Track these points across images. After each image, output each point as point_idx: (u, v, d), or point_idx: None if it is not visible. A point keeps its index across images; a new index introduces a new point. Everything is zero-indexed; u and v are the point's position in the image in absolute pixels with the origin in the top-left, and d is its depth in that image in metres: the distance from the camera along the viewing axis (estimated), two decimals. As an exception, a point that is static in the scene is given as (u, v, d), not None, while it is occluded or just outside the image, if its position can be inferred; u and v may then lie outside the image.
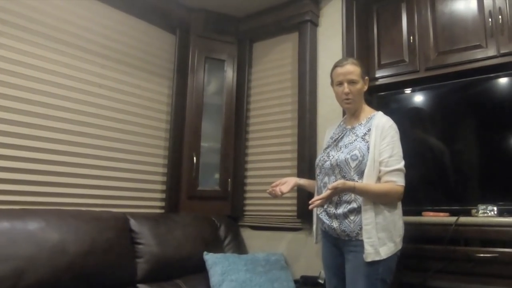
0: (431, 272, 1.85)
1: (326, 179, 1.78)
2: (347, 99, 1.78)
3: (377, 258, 1.58)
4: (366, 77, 1.84)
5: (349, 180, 1.66)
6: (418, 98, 2.32)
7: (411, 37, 2.34)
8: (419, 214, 2.05)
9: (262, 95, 2.85)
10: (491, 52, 2.07)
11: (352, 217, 1.66)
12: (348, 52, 2.47)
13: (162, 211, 2.59)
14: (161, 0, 2.63)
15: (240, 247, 2.62)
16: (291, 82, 2.71)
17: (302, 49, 2.61)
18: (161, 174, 2.63)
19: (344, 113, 2.09)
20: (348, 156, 1.70)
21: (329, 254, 1.82)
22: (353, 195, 1.67)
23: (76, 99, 2.18)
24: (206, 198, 2.70)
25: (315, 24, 2.66)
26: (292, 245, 2.53)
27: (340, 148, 1.78)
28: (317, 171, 1.86)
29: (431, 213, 2.03)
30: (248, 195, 2.81)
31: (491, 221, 1.80)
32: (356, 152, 1.69)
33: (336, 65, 1.83)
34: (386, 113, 2.37)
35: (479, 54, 2.10)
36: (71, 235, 1.75)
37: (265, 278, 2.26)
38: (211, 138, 2.79)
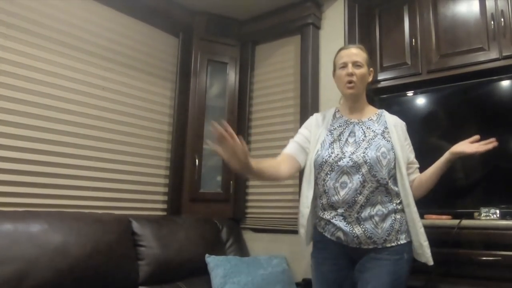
0: (433, 275, 1.84)
1: (345, 178, 1.54)
2: (350, 82, 1.62)
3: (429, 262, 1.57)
4: (371, 68, 1.71)
5: (381, 180, 1.53)
6: (420, 101, 2.31)
7: (413, 39, 2.34)
8: (421, 217, 2.04)
9: (265, 97, 2.86)
10: (493, 54, 2.06)
11: (379, 223, 1.51)
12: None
13: (164, 213, 2.60)
14: (164, 3, 2.65)
15: (242, 250, 2.62)
16: (293, 84, 2.71)
17: (304, 52, 2.61)
18: (164, 177, 2.64)
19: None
20: (378, 153, 1.54)
21: (332, 268, 1.59)
22: (379, 197, 1.53)
23: (79, 101, 2.20)
24: (208, 200, 2.71)
25: (317, 27, 2.67)
26: (294, 248, 2.53)
27: (358, 144, 1.59)
28: (326, 168, 1.58)
29: (434, 216, 2.02)
30: (250, 197, 2.81)
31: (494, 224, 1.79)
32: (384, 150, 1.55)
33: (340, 49, 1.72)
34: (388, 115, 2.38)
35: (481, 56, 2.10)
36: (74, 237, 1.76)
37: (267, 280, 2.25)
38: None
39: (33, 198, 1.97)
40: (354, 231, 1.51)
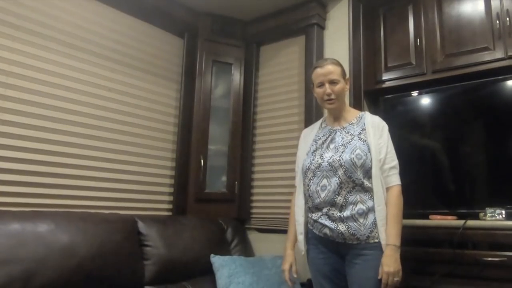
0: (438, 276, 1.84)
1: (324, 181, 1.68)
2: (330, 99, 1.73)
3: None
4: (347, 77, 1.81)
5: (356, 180, 1.62)
6: (425, 101, 2.31)
7: (418, 39, 2.33)
8: (426, 217, 2.04)
9: (269, 98, 2.86)
10: (499, 54, 2.06)
11: (361, 220, 1.61)
12: (354, 55, 2.47)
13: (170, 213, 2.61)
14: (169, 5, 2.66)
15: (247, 250, 2.63)
16: (297, 85, 2.71)
17: (309, 52, 2.61)
18: (169, 177, 2.66)
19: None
20: (352, 155, 1.64)
21: (326, 262, 1.72)
22: (358, 196, 1.63)
23: (85, 102, 2.22)
24: (213, 200, 2.72)
25: (322, 27, 2.67)
26: (299, 248, 2.53)
27: (337, 148, 1.70)
28: (309, 174, 1.74)
29: (439, 217, 2.02)
30: (255, 198, 2.82)
31: (499, 224, 1.79)
32: (359, 151, 1.65)
33: (315, 66, 1.79)
34: (393, 116, 2.38)
35: (486, 56, 2.09)
36: (80, 237, 1.77)
37: (271, 281, 2.26)
38: (218, 141, 2.81)
39: (40, 198, 1.99)
40: (338, 228, 1.63)
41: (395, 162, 1.70)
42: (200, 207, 2.66)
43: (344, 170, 1.64)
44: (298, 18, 2.69)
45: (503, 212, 1.84)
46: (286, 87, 2.78)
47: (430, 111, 2.29)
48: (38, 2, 2.05)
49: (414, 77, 2.33)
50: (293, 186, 2.60)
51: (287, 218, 2.60)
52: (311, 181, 1.73)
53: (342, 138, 1.73)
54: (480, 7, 2.15)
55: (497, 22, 2.07)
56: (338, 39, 2.59)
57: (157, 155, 2.59)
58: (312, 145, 1.81)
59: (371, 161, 1.64)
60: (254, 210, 2.81)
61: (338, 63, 1.78)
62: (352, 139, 1.71)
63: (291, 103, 2.73)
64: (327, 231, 1.66)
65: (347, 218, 1.62)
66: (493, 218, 1.85)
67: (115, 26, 2.42)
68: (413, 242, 1.80)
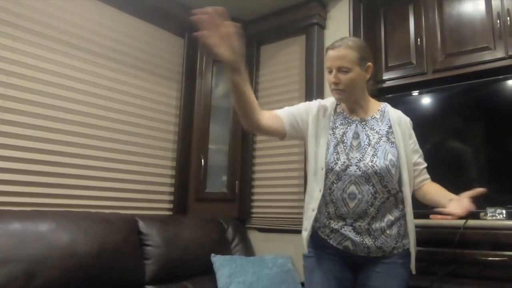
0: (438, 276, 1.83)
1: (353, 188, 1.42)
2: (336, 89, 1.47)
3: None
4: (369, 63, 1.50)
5: (392, 190, 1.44)
6: (426, 100, 2.31)
7: (419, 39, 2.33)
8: (426, 217, 2.04)
9: (270, 97, 2.86)
10: (500, 54, 2.06)
11: (388, 231, 1.44)
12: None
13: (170, 213, 2.62)
14: (170, 5, 2.66)
15: (247, 249, 2.63)
16: (298, 84, 2.71)
17: (309, 52, 2.61)
18: (169, 176, 2.66)
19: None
20: (387, 162, 1.41)
21: (333, 268, 1.50)
22: (389, 206, 1.45)
23: (85, 102, 2.22)
24: (214, 200, 2.72)
25: (322, 27, 2.67)
26: (299, 248, 2.52)
27: (364, 149, 1.45)
28: (331, 177, 1.46)
29: (439, 216, 2.01)
30: (255, 197, 2.82)
31: (500, 224, 1.78)
32: (391, 156, 1.43)
33: (327, 48, 1.51)
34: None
35: (487, 56, 2.09)
36: (81, 237, 1.78)
37: (272, 280, 2.26)
38: (218, 141, 2.81)
39: (41, 197, 2.00)
40: (364, 242, 1.42)
41: (424, 162, 1.61)
42: (201, 206, 2.66)
43: (379, 178, 1.41)
44: (298, 18, 2.69)
45: (504, 211, 1.84)
46: (287, 87, 2.78)
47: (430, 110, 2.29)
48: (39, 1, 2.05)
49: (414, 77, 2.33)
50: (295, 185, 2.61)
51: (288, 218, 2.62)
52: (334, 185, 1.45)
53: (368, 136, 1.48)
54: (481, 6, 2.14)
55: (498, 21, 2.07)
56: (338, 38, 2.58)
57: (157, 154, 2.59)
58: (331, 135, 1.50)
59: (400, 167, 1.45)
60: (254, 210, 2.81)
61: (356, 47, 1.47)
62: (380, 139, 1.47)
63: (292, 102, 2.67)
64: (349, 244, 1.44)
65: (375, 230, 1.42)
66: (494, 217, 1.85)
67: (116, 26, 2.42)
68: (413, 242, 1.80)
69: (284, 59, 2.83)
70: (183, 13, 2.75)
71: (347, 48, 1.45)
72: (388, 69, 2.44)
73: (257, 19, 2.88)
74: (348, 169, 1.43)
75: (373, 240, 1.42)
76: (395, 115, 1.57)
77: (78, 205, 2.13)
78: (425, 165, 1.61)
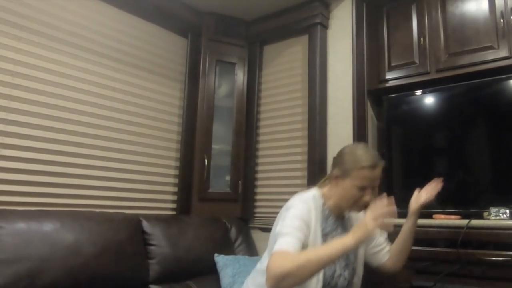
0: (441, 276, 1.83)
1: None
2: (363, 206, 1.45)
3: None
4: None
5: None
6: (429, 100, 2.30)
7: (422, 38, 2.33)
8: (430, 217, 2.04)
9: (273, 97, 2.87)
10: (503, 53, 2.05)
11: None
12: (358, 54, 2.47)
13: (174, 213, 2.63)
14: (173, 5, 2.67)
15: (250, 249, 2.63)
16: (301, 84, 2.72)
17: (312, 52, 2.61)
18: (173, 176, 2.67)
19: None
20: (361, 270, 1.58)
21: None
22: None
23: (89, 102, 2.23)
24: (217, 200, 2.73)
25: (325, 27, 2.67)
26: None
27: (349, 258, 1.52)
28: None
29: (442, 216, 2.01)
30: (258, 197, 2.82)
31: (504, 224, 1.78)
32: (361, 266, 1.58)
33: (364, 165, 1.41)
34: (396, 115, 2.38)
35: (490, 55, 2.08)
36: (85, 236, 1.79)
37: (275, 279, 2.26)
38: (222, 141, 2.82)
39: (46, 197, 2.01)
40: None
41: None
42: (204, 206, 2.67)
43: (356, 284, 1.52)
44: (301, 18, 2.69)
45: (507, 211, 1.83)
46: (290, 87, 2.78)
47: (434, 110, 2.29)
48: (43, 2, 2.07)
49: (417, 76, 2.32)
50: (297, 185, 2.61)
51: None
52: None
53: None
54: (484, 5, 2.14)
55: (501, 20, 2.07)
56: (341, 38, 2.59)
57: (161, 154, 2.60)
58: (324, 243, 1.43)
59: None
60: (257, 210, 2.81)
61: None
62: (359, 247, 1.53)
63: (295, 102, 2.73)
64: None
65: None
66: (497, 217, 1.84)
67: (120, 27, 2.43)
68: (416, 242, 1.79)
69: (287, 59, 2.84)
70: (186, 13, 2.76)
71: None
72: (391, 68, 2.44)
73: (260, 19, 2.89)
74: (339, 279, 1.44)
75: None
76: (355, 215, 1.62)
77: (83, 205, 2.15)
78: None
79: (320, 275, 1.39)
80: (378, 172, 1.42)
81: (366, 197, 1.41)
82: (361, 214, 1.56)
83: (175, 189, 2.66)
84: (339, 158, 1.49)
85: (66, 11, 2.17)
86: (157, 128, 2.60)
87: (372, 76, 2.49)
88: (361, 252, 1.58)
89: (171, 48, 2.75)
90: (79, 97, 2.18)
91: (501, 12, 2.07)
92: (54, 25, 2.11)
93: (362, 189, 1.41)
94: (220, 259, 2.27)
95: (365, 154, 1.43)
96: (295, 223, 1.34)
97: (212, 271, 2.25)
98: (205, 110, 2.77)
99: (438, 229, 1.93)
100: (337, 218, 1.53)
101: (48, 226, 1.71)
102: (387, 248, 1.65)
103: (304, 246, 1.34)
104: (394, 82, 2.41)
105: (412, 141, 2.31)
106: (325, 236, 1.45)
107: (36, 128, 2.00)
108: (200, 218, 2.48)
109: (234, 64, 2.91)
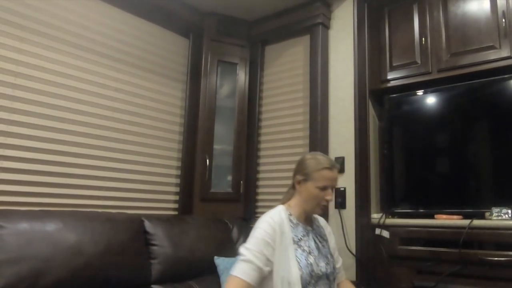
0: (443, 276, 1.83)
1: None
2: (325, 205, 1.60)
3: None
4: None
5: None
6: (431, 100, 2.30)
7: (423, 38, 2.33)
8: (432, 217, 2.04)
9: (274, 97, 2.87)
10: (505, 53, 2.05)
11: None
12: (359, 54, 2.47)
13: (176, 213, 2.63)
14: (174, 5, 2.68)
15: (252, 249, 2.63)
16: (302, 84, 2.72)
17: (314, 52, 2.62)
18: (175, 177, 2.67)
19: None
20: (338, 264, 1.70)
21: None
22: None
23: (92, 102, 2.24)
24: (219, 200, 2.73)
25: (327, 27, 2.67)
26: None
27: (325, 256, 1.59)
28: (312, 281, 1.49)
29: (444, 216, 2.01)
30: (260, 197, 2.83)
31: (505, 224, 1.78)
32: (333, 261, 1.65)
33: (325, 166, 1.57)
34: (398, 115, 2.38)
35: (492, 55, 2.08)
36: (88, 236, 1.79)
37: (277, 279, 2.26)
38: (223, 141, 2.82)
39: (48, 197, 2.02)
40: None
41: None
42: (206, 206, 2.67)
43: (333, 279, 1.61)
44: (302, 18, 2.69)
45: (509, 211, 1.84)
46: (291, 87, 2.78)
47: (435, 110, 2.29)
48: (45, 3, 2.08)
49: (419, 76, 2.32)
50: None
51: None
52: None
53: (320, 242, 1.63)
54: (486, 5, 2.14)
55: (503, 20, 2.06)
56: (342, 38, 2.59)
57: (163, 155, 2.61)
58: (297, 250, 1.51)
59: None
60: (259, 210, 2.81)
61: None
62: (329, 247, 1.67)
63: (296, 102, 2.73)
64: None
65: None
66: (499, 217, 1.85)
67: (121, 27, 2.44)
68: (418, 242, 1.81)
69: (289, 59, 2.84)
70: (188, 13, 2.77)
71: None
72: (393, 68, 2.44)
73: (262, 19, 2.89)
74: (322, 278, 1.54)
75: None
76: (324, 222, 1.77)
77: (85, 205, 2.15)
78: (341, 263, 1.74)
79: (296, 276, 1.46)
80: (336, 173, 1.60)
81: (328, 196, 1.57)
82: (327, 223, 1.77)
83: (177, 189, 2.67)
84: (301, 165, 1.64)
85: (68, 12, 2.17)
86: (159, 128, 2.60)
87: (373, 76, 2.50)
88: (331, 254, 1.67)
89: (172, 48, 2.75)
90: (81, 98, 2.19)
91: (503, 12, 2.07)
92: (56, 25, 2.12)
93: (323, 189, 1.57)
94: (221, 262, 2.27)
95: (324, 157, 1.62)
96: (257, 247, 1.46)
97: (214, 270, 2.25)
98: (207, 110, 2.77)
99: (439, 229, 1.94)
100: (306, 225, 1.63)
101: (50, 226, 1.72)
102: (341, 276, 1.72)
103: (267, 262, 1.45)
104: (396, 82, 2.41)
105: (414, 141, 2.31)
106: (298, 243, 1.54)
107: (39, 128, 2.00)
108: (202, 218, 2.49)
109: (235, 64, 2.91)
